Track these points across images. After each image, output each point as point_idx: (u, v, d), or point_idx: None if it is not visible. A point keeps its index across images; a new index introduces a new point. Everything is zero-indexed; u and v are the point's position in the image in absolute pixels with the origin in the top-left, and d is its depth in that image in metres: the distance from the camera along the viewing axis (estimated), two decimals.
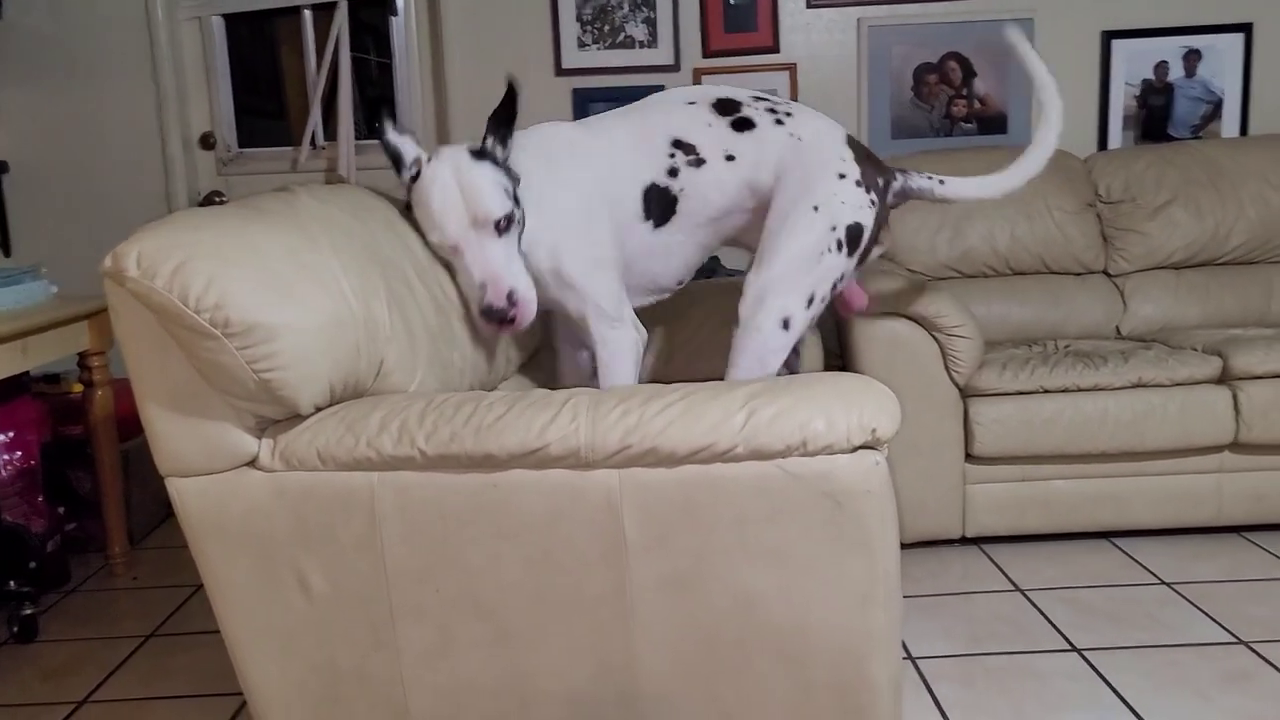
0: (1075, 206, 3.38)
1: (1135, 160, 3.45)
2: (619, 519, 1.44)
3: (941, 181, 2.13)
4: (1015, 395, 2.79)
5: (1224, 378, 2.79)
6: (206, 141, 3.78)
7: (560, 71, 3.66)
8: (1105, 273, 3.43)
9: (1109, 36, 3.63)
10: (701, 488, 1.42)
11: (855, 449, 1.41)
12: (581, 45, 3.63)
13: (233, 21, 3.78)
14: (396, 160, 1.89)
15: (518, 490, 1.45)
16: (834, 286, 2.06)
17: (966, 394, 2.81)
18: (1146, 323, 3.34)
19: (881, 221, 2.09)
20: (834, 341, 3.19)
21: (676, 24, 3.63)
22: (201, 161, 3.80)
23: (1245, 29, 3.60)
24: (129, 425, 3.11)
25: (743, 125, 2.06)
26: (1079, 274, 3.43)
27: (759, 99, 2.11)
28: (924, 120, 3.69)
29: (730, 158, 2.06)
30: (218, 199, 3.78)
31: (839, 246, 2.02)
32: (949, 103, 3.68)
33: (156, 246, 1.40)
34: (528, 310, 1.86)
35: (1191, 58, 3.63)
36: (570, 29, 3.63)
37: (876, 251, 2.13)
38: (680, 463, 1.42)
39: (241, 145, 3.85)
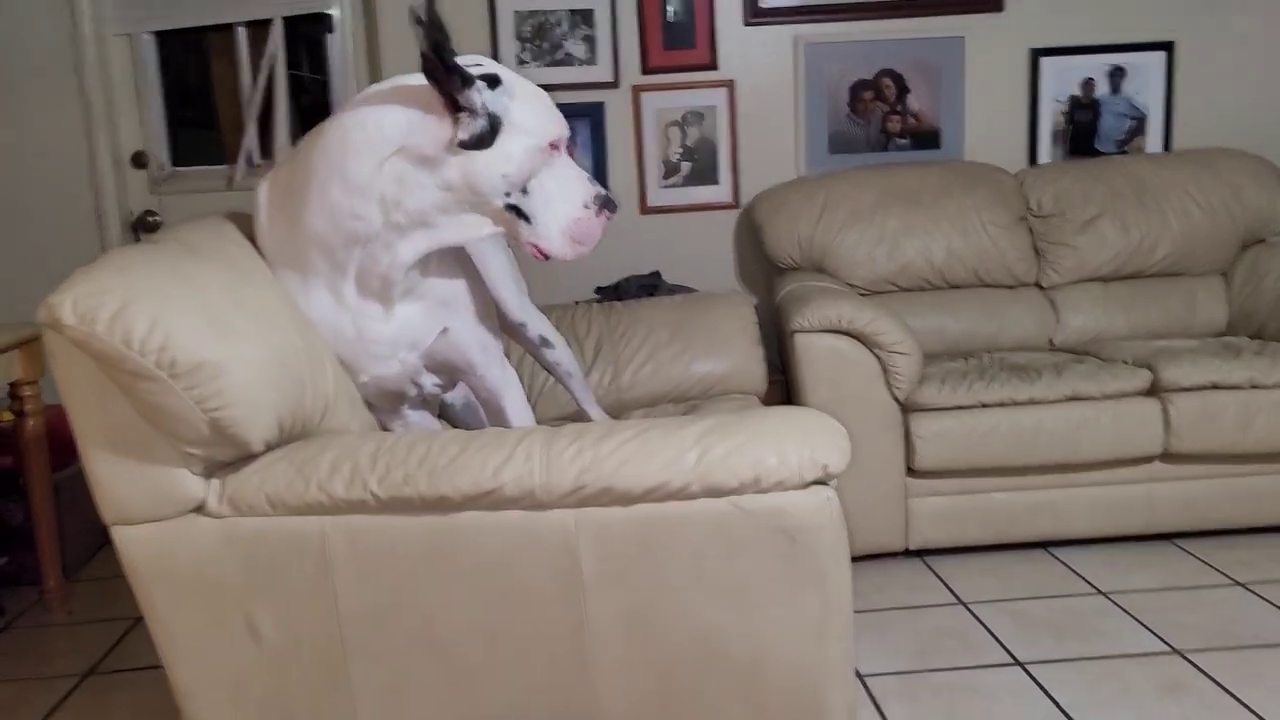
0: (1008, 221, 3.46)
1: (1064, 175, 3.54)
2: (575, 559, 1.44)
3: None
4: (954, 410, 2.84)
5: (1153, 390, 2.87)
6: (139, 160, 3.70)
7: None
8: (1037, 285, 3.51)
9: (1037, 54, 3.71)
10: (657, 526, 1.43)
11: (807, 484, 1.43)
12: (521, 62, 3.62)
13: (163, 36, 3.70)
14: (465, 77, 1.54)
15: (473, 532, 1.45)
16: None
17: (907, 409, 2.86)
18: (1078, 334, 3.43)
19: None
20: (776, 357, 3.23)
21: (615, 41, 3.64)
22: (133, 180, 3.72)
23: (1167, 47, 3.71)
24: (61, 454, 3.03)
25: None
26: (1012, 287, 3.50)
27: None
28: (860, 135, 3.75)
29: None
30: (151, 218, 3.70)
31: None
32: (884, 118, 3.74)
33: (92, 291, 1.37)
34: None
35: (1116, 75, 3.73)
36: (509, 46, 3.62)
37: None
38: (635, 501, 1.43)
39: (175, 163, 3.77)
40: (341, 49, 3.66)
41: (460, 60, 1.57)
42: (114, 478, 1.46)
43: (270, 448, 1.52)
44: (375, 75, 3.63)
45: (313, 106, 3.78)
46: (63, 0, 3.53)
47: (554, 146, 1.64)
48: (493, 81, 1.59)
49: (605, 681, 1.48)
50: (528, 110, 1.60)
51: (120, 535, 1.48)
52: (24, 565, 3.02)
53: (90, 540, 3.27)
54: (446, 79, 1.52)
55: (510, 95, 1.59)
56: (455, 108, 1.55)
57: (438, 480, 1.43)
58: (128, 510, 1.47)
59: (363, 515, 1.46)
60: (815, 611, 1.45)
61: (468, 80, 1.54)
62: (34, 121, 3.60)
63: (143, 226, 3.69)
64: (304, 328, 1.64)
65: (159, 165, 3.74)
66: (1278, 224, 3.50)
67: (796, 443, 1.43)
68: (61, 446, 3.04)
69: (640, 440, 1.45)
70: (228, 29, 3.68)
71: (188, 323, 1.39)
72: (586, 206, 1.67)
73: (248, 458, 1.50)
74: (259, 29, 3.66)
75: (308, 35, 3.73)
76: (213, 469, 1.50)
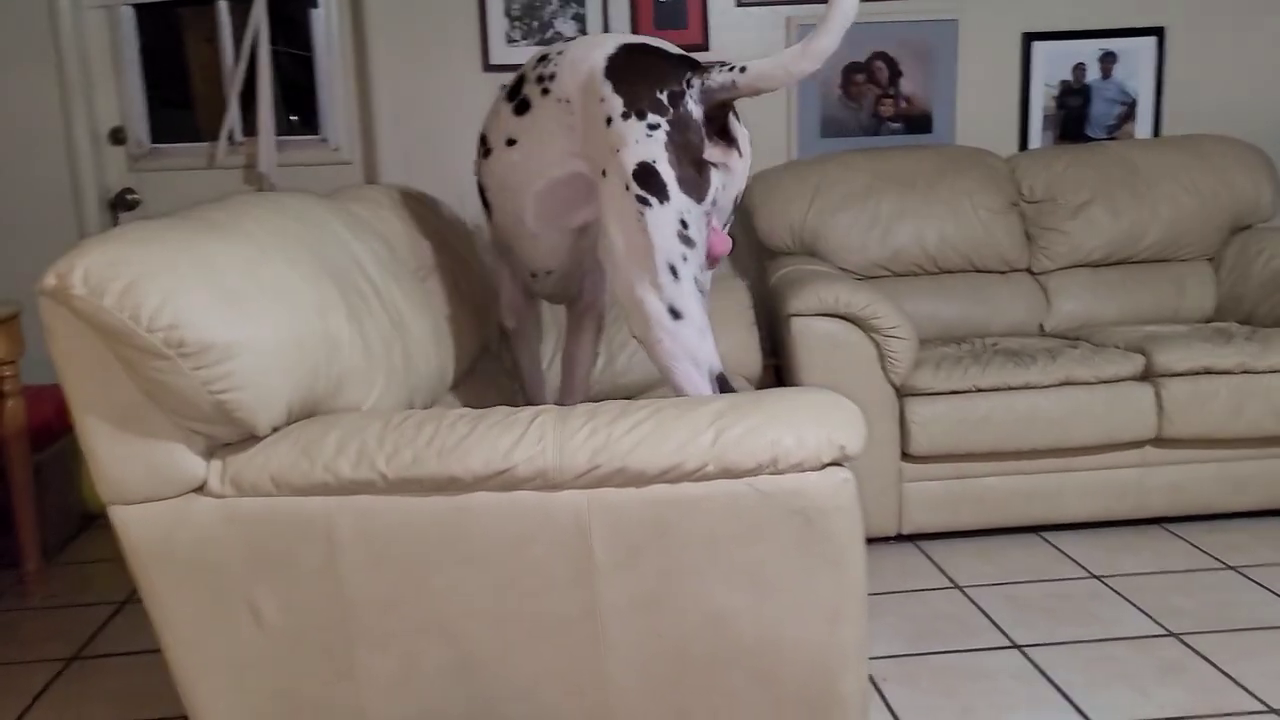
0: (1000, 206, 3.45)
1: (1056, 160, 3.54)
2: (588, 540, 1.42)
3: (743, 70, 1.70)
4: (949, 395, 2.83)
5: (1146, 375, 2.88)
6: (117, 137, 3.62)
7: (488, 67, 3.59)
8: (1029, 271, 3.51)
9: (1029, 38, 3.70)
10: (671, 507, 1.41)
11: (824, 466, 1.41)
12: (510, 40, 3.57)
13: (141, 11, 3.62)
14: None
15: (484, 513, 1.42)
16: (689, 239, 1.69)
17: (902, 393, 2.85)
18: (1068, 319, 3.43)
19: (689, 138, 1.69)
20: (770, 342, 3.21)
21: (606, 20, 3.59)
22: (111, 158, 3.63)
23: (1158, 33, 3.71)
24: (40, 435, 2.97)
25: (522, 108, 1.92)
26: (1004, 272, 3.50)
27: (543, 60, 1.90)
28: (852, 119, 3.73)
29: (511, 142, 1.96)
30: (130, 196, 3.62)
31: (641, 200, 1.67)
32: (876, 101, 3.72)
33: (104, 262, 1.32)
34: None
35: (1107, 60, 3.73)
36: (499, 24, 3.56)
37: (737, 164, 1.78)
38: (649, 482, 1.40)
39: (154, 140, 3.69)
40: (326, 25, 3.59)
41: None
42: (113, 456, 1.42)
43: (276, 430, 1.48)
44: (361, 51, 3.57)
45: (296, 84, 3.72)
46: None
47: None
48: None
49: (617, 665, 1.46)
50: None
51: (118, 515, 1.44)
52: (2, 548, 2.95)
53: (70, 523, 3.21)
54: None
55: None
56: None
57: (448, 460, 1.40)
58: (126, 489, 1.43)
59: (370, 496, 1.43)
60: (830, 595, 1.43)
61: None
62: (9, 96, 3.52)
63: (121, 205, 3.62)
64: (324, 308, 1.57)
65: (138, 142, 3.66)
66: (1265, 210, 3.51)
67: (814, 423, 1.41)
68: (42, 427, 2.99)
69: (655, 420, 1.42)
70: (207, 4, 3.60)
71: (200, 302, 1.34)
72: None
73: (251, 437, 1.46)
74: (239, 4, 3.58)
75: (290, 12, 3.66)
76: (214, 448, 1.46)
